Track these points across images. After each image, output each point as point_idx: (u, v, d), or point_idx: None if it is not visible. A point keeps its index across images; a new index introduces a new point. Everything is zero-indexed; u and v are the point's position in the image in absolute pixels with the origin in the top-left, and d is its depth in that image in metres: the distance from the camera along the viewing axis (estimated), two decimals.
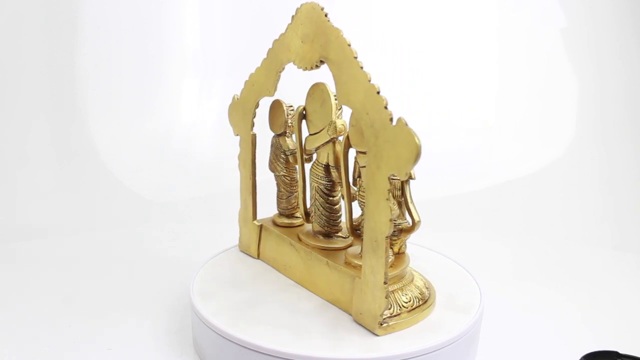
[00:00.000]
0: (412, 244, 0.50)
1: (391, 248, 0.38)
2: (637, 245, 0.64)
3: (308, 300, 0.39)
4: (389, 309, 0.35)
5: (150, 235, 0.65)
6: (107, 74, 0.82)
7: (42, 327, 0.43)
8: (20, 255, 0.58)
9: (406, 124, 0.29)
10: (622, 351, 0.39)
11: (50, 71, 0.78)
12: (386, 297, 0.33)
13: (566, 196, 0.78)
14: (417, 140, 0.29)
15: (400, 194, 0.36)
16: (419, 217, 0.36)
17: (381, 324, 0.34)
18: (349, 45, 0.33)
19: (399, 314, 0.35)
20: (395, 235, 0.37)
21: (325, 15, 0.35)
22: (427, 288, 0.38)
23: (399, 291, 0.36)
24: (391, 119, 0.30)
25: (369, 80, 0.31)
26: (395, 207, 0.32)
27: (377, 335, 0.34)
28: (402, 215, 0.37)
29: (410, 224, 0.36)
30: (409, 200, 0.36)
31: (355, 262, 0.36)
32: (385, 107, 0.30)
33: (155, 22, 0.85)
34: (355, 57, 0.32)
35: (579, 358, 0.38)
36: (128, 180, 0.78)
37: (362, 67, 0.32)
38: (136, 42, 0.83)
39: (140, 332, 0.42)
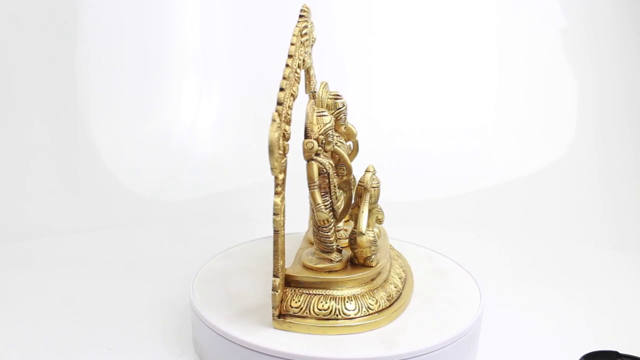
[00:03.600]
0: (412, 243, 0.50)
1: (357, 255, 0.37)
2: (637, 245, 0.64)
3: None
4: (298, 309, 0.35)
5: (150, 235, 0.65)
6: (107, 75, 0.82)
7: (42, 327, 0.43)
8: (20, 255, 0.58)
9: (273, 119, 0.30)
10: (622, 351, 0.39)
11: (50, 72, 0.78)
12: (272, 290, 0.34)
13: (566, 197, 0.78)
14: (269, 133, 0.30)
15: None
16: (361, 229, 0.35)
17: (277, 317, 0.35)
18: (292, 43, 0.34)
19: (304, 317, 0.35)
20: (353, 244, 0.37)
21: (300, 16, 0.36)
22: (369, 309, 0.36)
23: (322, 297, 0.35)
24: (278, 113, 0.31)
25: (284, 78, 0.32)
26: (280, 203, 0.33)
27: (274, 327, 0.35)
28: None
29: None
30: (360, 210, 0.36)
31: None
32: (279, 103, 0.31)
33: (156, 22, 0.85)
34: (289, 56, 0.33)
35: (579, 358, 0.38)
36: (128, 180, 0.78)
37: (287, 65, 0.33)
38: (136, 43, 0.83)
39: (140, 332, 0.42)
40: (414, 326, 0.36)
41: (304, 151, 0.35)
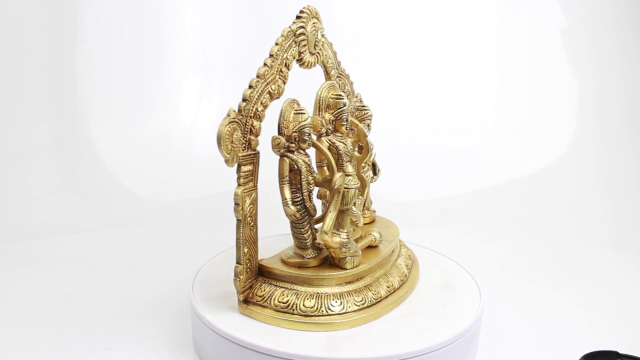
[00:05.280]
0: (411, 243, 0.50)
1: (332, 256, 0.37)
2: (637, 245, 0.64)
3: None
4: (261, 298, 0.36)
5: (150, 235, 0.65)
6: (108, 75, 0.82)
7: (42, 327, 0.43)
8: (20, 255, 0.58)
9: (228, 114, 0.32)
10: (622, 351, 0.39)
11: (50, 72, 0.78)
12: (234, 276, 0.35)
13: (566, 197, 0.78)
14: (219, 126, 0.32)
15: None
16: (324, 228, 0.35)
17: (242, 302, 0.36)
18: (276, 43, 0.36)
19: (264, 307, 0.36)
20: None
21: (297, 17, 0.37)
22: (329, 309, 0.35)
23: (285, 291, 0.36)
24: (239, 109, 0.34)
25: (257, 76, 0.34)
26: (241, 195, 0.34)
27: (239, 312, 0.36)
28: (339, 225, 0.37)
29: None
30: (328, 209, 0.36)
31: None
32: (243, 100, 0.34)
33: (156, 22, 0.85)
34: (270, 55, 0.35)
35: (579, 358, 0.38)
36: (128, 180, 0.78)
37: (264, 64, 0.35)
38: (136, 43, 0.83)
39: (140, 332, 0.42)
40: (376, 335, 0.34)
41: (272, 146, 0.36)
